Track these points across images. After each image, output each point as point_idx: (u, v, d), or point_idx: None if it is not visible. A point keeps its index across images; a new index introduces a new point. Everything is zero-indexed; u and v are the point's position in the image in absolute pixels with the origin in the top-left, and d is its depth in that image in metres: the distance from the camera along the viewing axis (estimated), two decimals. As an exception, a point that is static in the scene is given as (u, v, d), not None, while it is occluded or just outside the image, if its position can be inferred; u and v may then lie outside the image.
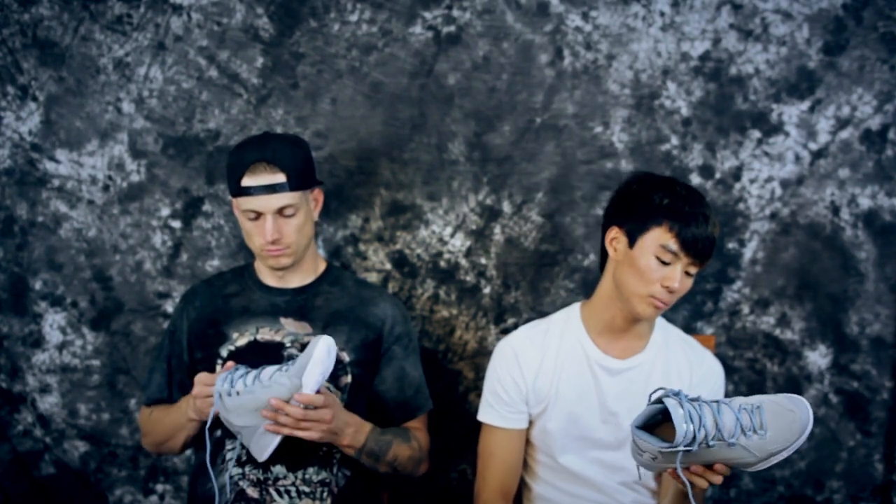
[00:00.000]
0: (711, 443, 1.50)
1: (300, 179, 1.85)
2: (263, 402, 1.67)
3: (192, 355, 1.94)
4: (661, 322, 1.89)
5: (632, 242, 1.74)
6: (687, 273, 1.72)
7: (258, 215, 1.83)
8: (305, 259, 1.94)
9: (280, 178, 1.81)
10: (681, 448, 1.49)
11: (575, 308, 1.90)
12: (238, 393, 1.68)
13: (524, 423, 1.88)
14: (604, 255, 1.85)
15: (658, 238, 1.71)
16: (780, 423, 1.51)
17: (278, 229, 1.83)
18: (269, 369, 1.70)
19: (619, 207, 1.80)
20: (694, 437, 1.50)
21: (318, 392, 1.68)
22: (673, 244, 1.70)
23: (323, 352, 1.66)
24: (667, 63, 2.17)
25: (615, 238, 1.78)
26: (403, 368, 1.95)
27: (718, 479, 1.54)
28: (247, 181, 1.82)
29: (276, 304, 1.93)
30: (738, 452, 1.52)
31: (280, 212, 1.83)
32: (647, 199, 1.74)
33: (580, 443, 1.85)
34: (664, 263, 1.71)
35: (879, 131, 2.17)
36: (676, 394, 1.53)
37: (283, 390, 1.66)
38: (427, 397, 1.99)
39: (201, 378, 1.76)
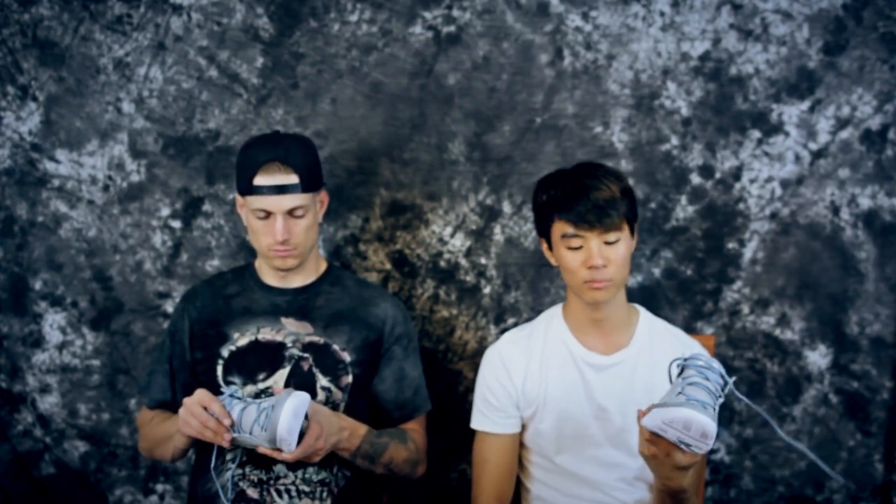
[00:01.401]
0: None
1: (311, 180, 1.85)
2: (254, 445, 1.67)
3: (192, 355, 1.93)
4: (646, 315, 1.91)
5: (550, 246, 1.82)
6: (607, 243, 1.73)
7: (268, 215, 1.83)
8: (308, 259, 1.94)
9: (293, 178, 1.81)
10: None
11: (557, 309, 1.92)
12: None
13: (516, 427, 1.89)
14: None
15: (557, 232, 1.77)
16: None
17: (288, 230, 1.83)
18: (249, 416, 1.65)
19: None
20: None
21: (305, 415, 1.67)
22: (569, 229, 1.74)
23: (284, 430, 1.60)
24: (667, 63, 2.17)
25: (546, 248, 1.85)
26: (403, 369, 1.95)
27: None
28: (259, 180, 1.81)
29: (278, 304, 1.93)
30: None
31: (290, 212, 1.83)
32: (538, 203, 1.82)
33: (574, 441, 1.86)
34: (576, 249, 1.74)
35: (879, 131, 2.17)
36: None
37: (265, 444, 1.65)
38: (426, 398, 1.99)
39: (190, 408, 1.68)
